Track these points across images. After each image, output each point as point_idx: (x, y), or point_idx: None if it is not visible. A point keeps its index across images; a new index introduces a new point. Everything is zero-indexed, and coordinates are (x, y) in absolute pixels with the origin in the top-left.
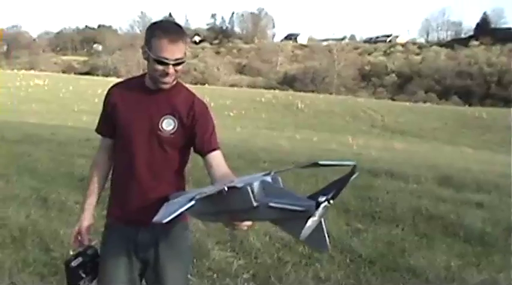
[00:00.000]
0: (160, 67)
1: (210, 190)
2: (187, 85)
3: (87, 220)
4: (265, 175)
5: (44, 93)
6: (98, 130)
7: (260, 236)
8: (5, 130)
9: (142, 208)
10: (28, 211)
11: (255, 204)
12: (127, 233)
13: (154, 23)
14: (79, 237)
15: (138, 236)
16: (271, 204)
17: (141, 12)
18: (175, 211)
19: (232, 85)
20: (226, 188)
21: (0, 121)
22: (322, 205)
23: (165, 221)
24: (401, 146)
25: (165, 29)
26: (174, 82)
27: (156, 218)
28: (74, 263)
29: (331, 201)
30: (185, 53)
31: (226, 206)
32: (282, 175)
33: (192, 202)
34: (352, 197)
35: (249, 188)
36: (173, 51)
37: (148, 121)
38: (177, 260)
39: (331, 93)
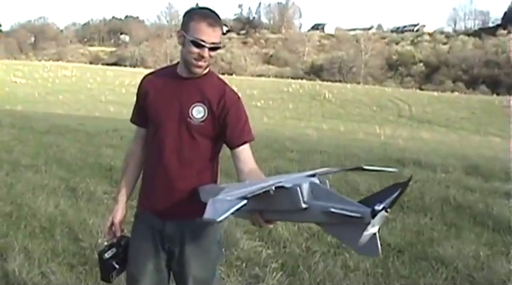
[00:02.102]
0: (196, 49)
1: (257, 187)
2: (216, 74)
3: (120, 211)
4: (310, 175)
5: (72, 84)
6: (132, 119)
7: (288, 226)
8: (33, 121)
9: (169, 198)
10: (57, 201)
11: (303, 206)
12: (154, 224)
13: (193, 8)
14: (112, 229)
15: (165, 227)
16: (333, 210)
17: (169, 3)
18: (227, 210)
19: (259, 76)
20: (274, 188)
21: (28, 112)
22: (380, 214)
23: (218, 219)
24: (429, 136)
25: (204, 14)
26: (206, 70)
27: (206, 216)
28: (107, 255)
29: (389, 210)
30: (220, 41)
31: (271, 205)
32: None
33: (244, 201)
34: (380, 187)
35: (298, 189)
36: (210, 34)
37: (178, 108)
38: (202, 256)
39: (358, 83)
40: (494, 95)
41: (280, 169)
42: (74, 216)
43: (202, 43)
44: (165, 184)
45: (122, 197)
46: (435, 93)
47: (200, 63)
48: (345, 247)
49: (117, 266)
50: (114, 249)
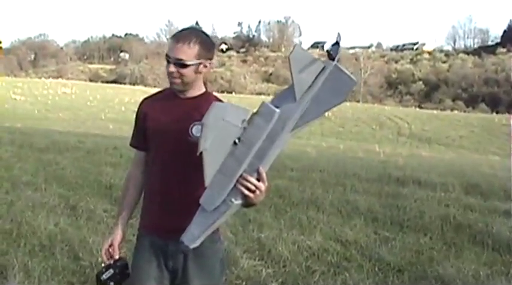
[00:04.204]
0: (167, 65)
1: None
2: (214, 94)
3: (119, 234)
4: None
5: (71, 101)
6: (131, 143)
7: (288, 245)
8: (33, 138)
9: (171, 218)
10: (57, 219)
11: (277, 110)
12: (157, 244)
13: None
14: (110, 251)
15: (168, 247)
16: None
17: (168, 21)
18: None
19: (259, 94)
20: (237, 140)
21: (28, 128)
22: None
23: (192, 246)
24: (428, 154)
25: (178, 32)
26: (202, 91)
27: (184, 240)
28: (105, 276)
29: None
30: (191, 58)
31: (249, 145)
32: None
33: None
34: (380, 206)
35: (260, 108)
36: (173, 49)
37: (177, 127)
38: (205, 275)
39: (357, 101)
40: (494, 113)
41: (280, 188)
42: (74, 234)
43: (168, 59)
44: (166, 204)
45: (122, 221)
46: (434, 112)
47: (173, 80)
48: (345, 267)
49: None
50: (111, 271)
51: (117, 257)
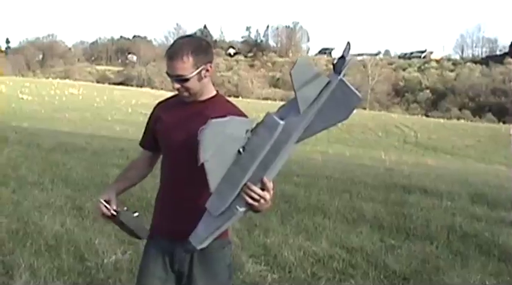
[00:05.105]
0: (170, 81)
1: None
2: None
3: (114, 190)
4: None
5: (79, 102)
6: (141, 143)
7: (294, 251)
8: (40, 139)
9: (180, 221)
10: (63, 220)
11: (281, 122)
12: (165, 247)
13: None
14: (107, 206)
15: (176, 250)
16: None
17: (177, 24)
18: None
19: (265, 99)
20: (241, 149)
21: (35, 129)
22: (344, 60)
23: (199, 247)
24: (434, 162)
25: (169, 48)
26: (212, 94)
27: (192, 241)
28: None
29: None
30: (195, 69)
31: (253, 155)
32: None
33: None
34: (386, 213)
35: (264, 119)
36: (172, 68)
37: (186, 130)
38: (211, 279)
39: (364, 108)
40: (501, 123)
41: (286, 193)
42: (80, 235)
43: (169, 77)
44: (176, 206)
45: (115, 186)
46: (441, 120)
47: (181, 94)
48: (351, 274)
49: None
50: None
51: (115, 207)
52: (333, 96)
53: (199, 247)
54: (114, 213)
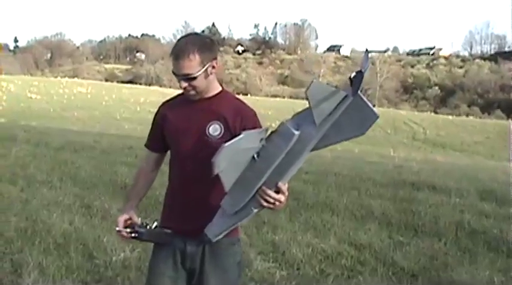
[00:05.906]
0: (177, 80)
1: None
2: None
3: (131, 208)
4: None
5: (87, 100)
6: (146, 144)
7: (302, 248)
8: (48, 137)
9: (190, 218)
10: (72, 218)
11: (296, 133)
12: (175, 243)
13: None
14: (126, 230)
15: (187, 247)
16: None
17: (185, 22)
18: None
19: (274, 96)
20: (256, 156)
21: (44, 128)
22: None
23: (214, 240)
24: (443, 159)
25: (173, 48)
26: (218, 90)
27: (208, 234)
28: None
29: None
30: (201, 67)
31: (268, 162)
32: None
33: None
34: (395, 210)
35: (279, 128)
36: (177, 67)
37: (195, 128)
38: (221, 276)
39: (373, 105)
40: (510, 120)
41: (294, 190)
42: (89, 233)
43: (175, 76)
44: (186, 204)
45: (131, 204)
46: (450, 117)
47: (188, 93)
48: (359, 270)
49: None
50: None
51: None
52: (349, 111)
53: (214, 240)
54: (136, 235)
